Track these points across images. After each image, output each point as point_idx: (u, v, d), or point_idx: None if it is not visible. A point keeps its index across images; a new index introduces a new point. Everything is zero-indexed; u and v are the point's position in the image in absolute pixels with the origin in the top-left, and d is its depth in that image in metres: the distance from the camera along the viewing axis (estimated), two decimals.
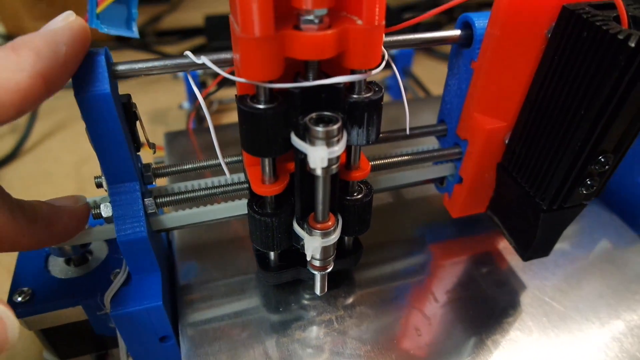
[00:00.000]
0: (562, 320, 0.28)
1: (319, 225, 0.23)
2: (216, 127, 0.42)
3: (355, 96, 0.21)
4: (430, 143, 0.32)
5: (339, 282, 0.29)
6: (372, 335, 0.27)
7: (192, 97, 0.54)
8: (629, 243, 0.33)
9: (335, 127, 0.20)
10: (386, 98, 0.58)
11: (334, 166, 0.21)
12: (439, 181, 0.32)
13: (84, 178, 0.49)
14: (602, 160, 0.23)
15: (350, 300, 0.29)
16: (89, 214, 0.24)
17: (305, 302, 0.28)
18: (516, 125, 0.26)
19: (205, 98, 0.49)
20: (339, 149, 0.20)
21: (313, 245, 0.23)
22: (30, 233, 0.21)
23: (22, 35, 0.19)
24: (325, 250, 0.24)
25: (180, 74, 0.61)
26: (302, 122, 0.20)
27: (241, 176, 0.28)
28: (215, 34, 0.52)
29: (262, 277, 0.28)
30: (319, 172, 0.21)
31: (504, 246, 0.33)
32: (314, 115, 0.21)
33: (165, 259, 0.29)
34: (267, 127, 0.21)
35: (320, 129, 0.20)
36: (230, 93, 0.56)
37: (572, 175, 0.23)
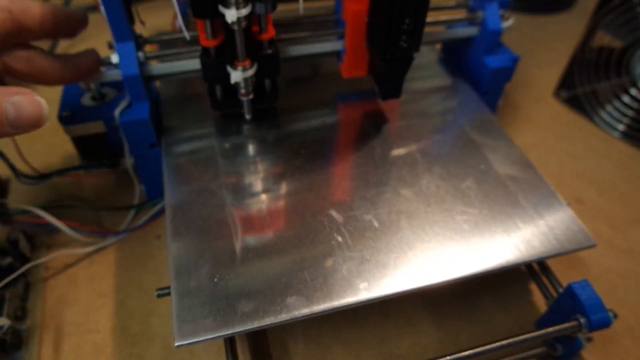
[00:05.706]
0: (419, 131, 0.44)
1: (240, 64, 0.39)
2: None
3: None
4: None
5: (265, 118, 0.46)
6: (289, 141, 0.43)
7: None
8: (477, 108, 0.49)
9: None
10: None
11: (243, 23, 0.36)
12: (337, 56, 0.47)
13: None
14: (408, 22, 0.38)
15: (275, 126, 0.45)
16: (98, 58, 0.40)
17: (244, 128, 0.45)
18: (369, 7, 0.41)
19: None
20: (245, 11, 0.36)
21: (237, 75, 0.39)
22: (64, 70, 0.37)
23: None
24: (245, 81, 0.40)
25: None
26: None
27: None
28: None
29: (214, 106, 0.44)
30: (233, 24, 0.36)
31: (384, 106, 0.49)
32: None
33: (154, 102, 0.45)
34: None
35: None
36: None
37: (392, 32, 0.38)
